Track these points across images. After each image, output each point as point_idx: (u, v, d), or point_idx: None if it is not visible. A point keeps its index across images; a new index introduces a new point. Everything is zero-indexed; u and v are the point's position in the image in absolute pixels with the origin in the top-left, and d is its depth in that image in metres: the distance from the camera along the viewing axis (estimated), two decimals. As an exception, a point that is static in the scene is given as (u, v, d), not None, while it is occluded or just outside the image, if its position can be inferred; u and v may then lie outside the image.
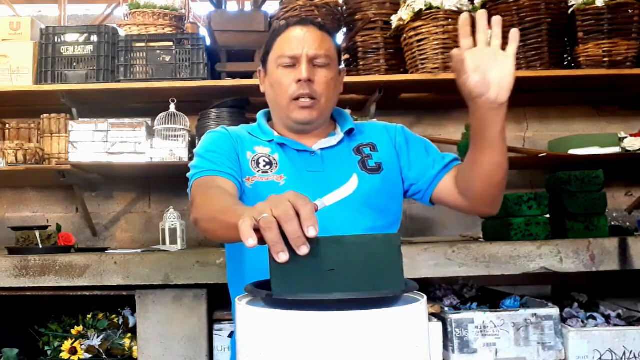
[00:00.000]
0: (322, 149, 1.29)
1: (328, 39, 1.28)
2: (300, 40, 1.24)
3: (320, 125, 1.31)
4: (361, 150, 1.31)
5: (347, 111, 1.44)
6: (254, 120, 1.38)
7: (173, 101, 2.55)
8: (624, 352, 1.89)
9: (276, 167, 1.24)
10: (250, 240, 0.73)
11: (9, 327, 2.27)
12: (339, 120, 1.37)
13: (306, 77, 1.22)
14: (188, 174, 1.25)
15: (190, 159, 2.46)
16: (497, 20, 1.06)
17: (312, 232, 0.71)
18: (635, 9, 2.46)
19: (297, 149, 1.28)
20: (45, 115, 2.65)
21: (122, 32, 2.69)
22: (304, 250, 0.72)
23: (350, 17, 2.66)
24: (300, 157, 1.27)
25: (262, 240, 0.74)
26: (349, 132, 1.33)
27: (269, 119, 1.37)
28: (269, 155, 1.27)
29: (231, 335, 1.65)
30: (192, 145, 2.58)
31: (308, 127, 1.29)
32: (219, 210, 1.00)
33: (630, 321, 2.06)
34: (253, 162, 1.25)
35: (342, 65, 1.39)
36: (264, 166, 1.25)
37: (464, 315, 1.92)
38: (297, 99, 1.24)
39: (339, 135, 1.32)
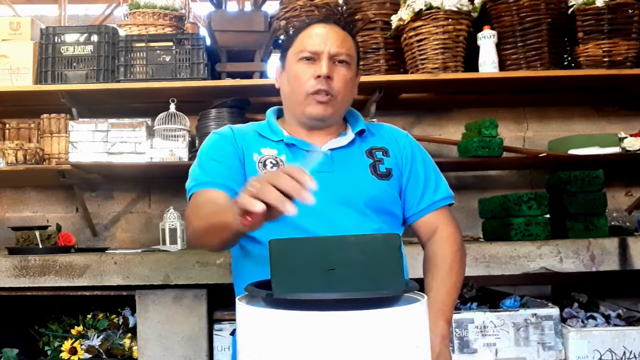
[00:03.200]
0: (332, 149, 1.28)
1: (349, 39, 1.29)
2: (322, 37, 1.25)
3: (333, 124, 1.31)
4: (373, 153, 1.30)
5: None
6: (254, 120, 1.38)
7: (173, 101, 2.54)
8: (624, 352, 1.88)
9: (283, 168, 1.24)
10: (258, 205, 0.74)
11: (9, 327, 2.27)
12: (350, 120, 1.36)
13: (326, 73, 1.22)
14: (186, 185, 1.25)
15: (191, 158, 2.46)
16: None
17: (312, 184, 0.73)
18: (635, 9, 2.46)
19: (306, 149, 1.27)
20: (45, 115, 2.65)
21: (122, 32, 2.69)
22: (307, 197, 0.73)
23: (350, 17, 2.65)
24: None
25: (266, 218, 0.75)
26: (360, 133, 1.33)
27: (278, 116, 1.37)
28: (276, 157, 1.26)
29: (233, 333, 1.65)
30: (192, 145, 2.58)
31: (321, 124, 1.29)
32: (208, 214, 1.02)
33: (630, 321, 2.06)
34: (260, 164, 1.25)
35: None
36: (271, 167, 1.24)
37: (464, 315, 1.92)
38: (314, 93, 1.24)
39: (350, 135, 1.31)
